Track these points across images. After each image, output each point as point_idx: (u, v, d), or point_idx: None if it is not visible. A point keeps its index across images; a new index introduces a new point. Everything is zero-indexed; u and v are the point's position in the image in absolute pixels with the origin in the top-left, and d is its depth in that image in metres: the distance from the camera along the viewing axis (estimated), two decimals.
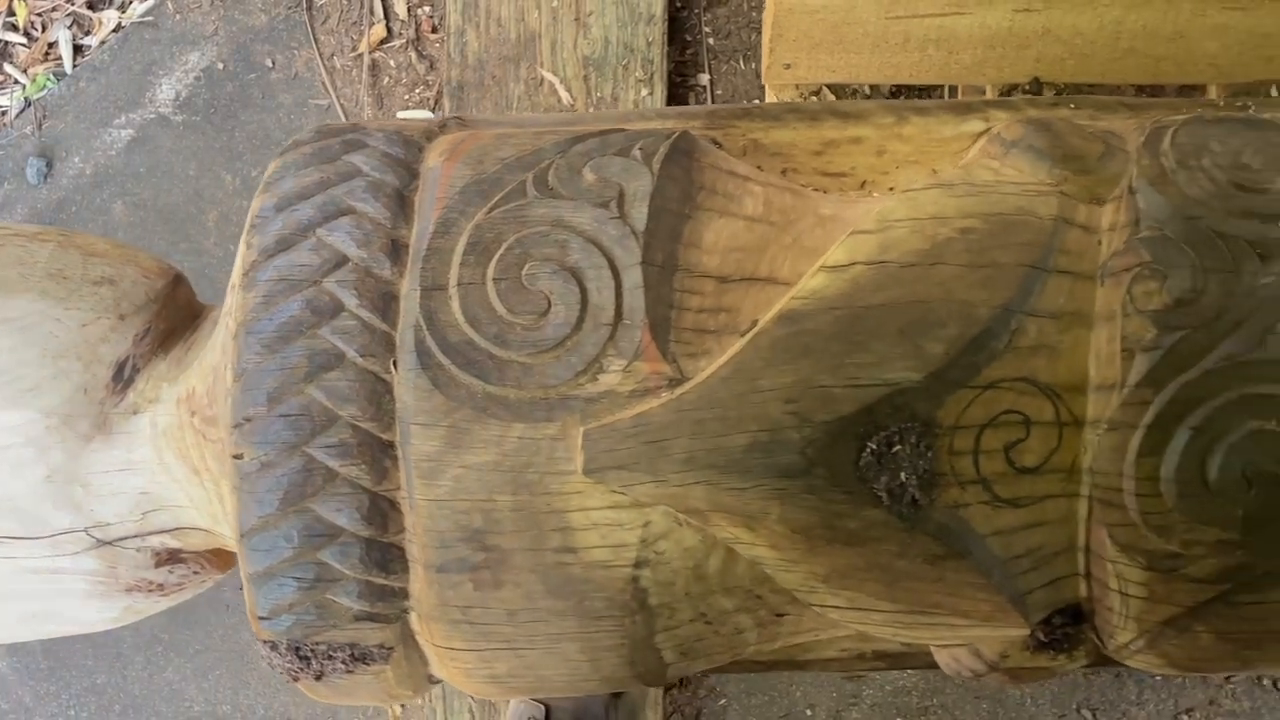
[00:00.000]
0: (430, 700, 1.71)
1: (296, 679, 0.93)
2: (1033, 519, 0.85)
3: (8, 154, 2.07)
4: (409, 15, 2.00)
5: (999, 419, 0.83)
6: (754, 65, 1.88)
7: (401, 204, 0.89)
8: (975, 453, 0.83)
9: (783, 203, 0.93)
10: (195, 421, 0.96)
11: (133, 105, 2.06)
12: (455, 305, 0.84)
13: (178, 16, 2.07)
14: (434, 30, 1.99)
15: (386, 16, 2.00)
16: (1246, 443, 0.80)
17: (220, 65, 2.05)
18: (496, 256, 0.85)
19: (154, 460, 0.99)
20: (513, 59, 1.86)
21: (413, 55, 1.99)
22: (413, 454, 0.84)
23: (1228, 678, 1.81)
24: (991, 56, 1.44)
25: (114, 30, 2.13)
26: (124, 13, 2.13)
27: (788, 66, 1.50)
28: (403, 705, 1.79)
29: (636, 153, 0.90)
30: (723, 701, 1.82)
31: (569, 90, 1.84)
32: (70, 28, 2.16)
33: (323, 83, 2.01)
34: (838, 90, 1.63)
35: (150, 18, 2.09)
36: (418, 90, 1.98)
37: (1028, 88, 1.49)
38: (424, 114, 1.93)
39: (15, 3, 2.16)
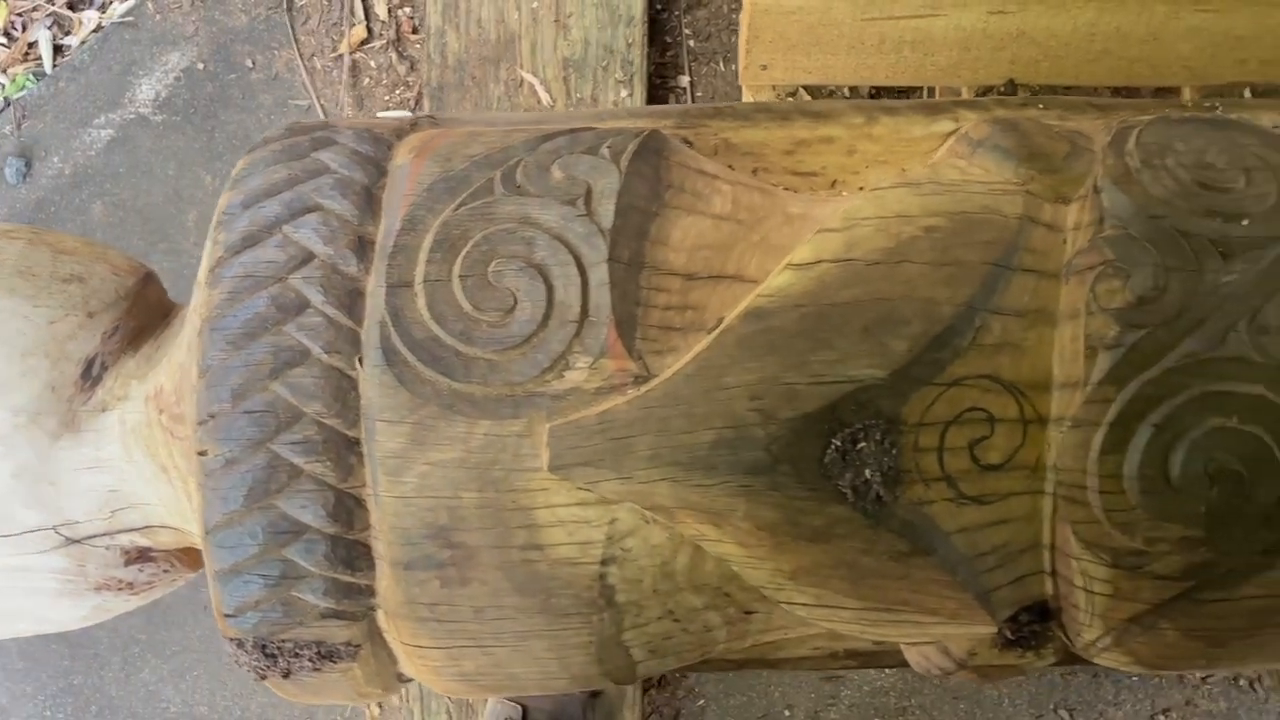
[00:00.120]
0: (407, 701, 1.71)
1: (264, 677, 0.93)
2: (997, 516, 0.85)
3: None
4: (389, 16, 2.00)
5: (963, 416, 0.83)
6: (734, 67, 1.88)
7: (369, 201, 0.90)
8: (940, 450, 0.83)
9: (751, 201, 0.94)
10: (163, 419, 0.95)
11: (112, 105, 2.06)
12: (421, 302, 0.84)
13: (158, 17, 2.07)
14: (414, 31, 1.99)
15: (367, 17, 2.00)
16: (1208, 440, 0.80)
17: (200, 65, 2.04)
18: (463, 253, 0.85)
19: (122, 458, 0.99)
20: (493, 60, 1.86)
21: (393, 56, 1.99)
22: (378, 451, 0.84)
23: (1204, 678, 1.82)
24: (967, 58, 1.45)
25: (94, 30, 2.12)
26: (104, 13, 2.13)
27: (764, 68, 1.50)
28: (380, 705, 1.78)
29: (605, 151, 0.90)
30: (701, 702, 1.82)
31: (549, 91, 1.84)
32: (50, 28, 2.15)
33: (303, 83, 2.01)
34: (815, 92, 1.64)
35: (130, 18, 2.08)
36: (398, 91, 1.98)
37: (1003, 89, 1.49)
38: (404, 115, 1.93)
39: None
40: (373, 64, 1.99)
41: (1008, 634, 0.91)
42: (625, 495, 0.84)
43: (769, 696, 1.82)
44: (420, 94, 1.94)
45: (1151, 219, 0.83)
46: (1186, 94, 1.50)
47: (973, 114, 1.02)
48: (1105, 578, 0.84)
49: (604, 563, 0.87)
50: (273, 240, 0.87)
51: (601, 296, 0.84)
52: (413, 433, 0.83)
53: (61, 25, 2.15)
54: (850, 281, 0.83)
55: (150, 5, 2.08)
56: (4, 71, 2.12)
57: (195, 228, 1.99)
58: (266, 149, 0.94)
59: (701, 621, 0.94)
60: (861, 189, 0.98)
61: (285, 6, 2.03)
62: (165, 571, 1.09)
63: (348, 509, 0.85)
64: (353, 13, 2.00)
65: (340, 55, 2.00)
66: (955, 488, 0.84)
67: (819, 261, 0.84)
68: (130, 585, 1.07)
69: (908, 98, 1.62)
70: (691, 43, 1.93)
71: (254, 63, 2.03)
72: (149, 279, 1.07)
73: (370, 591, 0.88)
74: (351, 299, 0.86)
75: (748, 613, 0.96)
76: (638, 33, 1.84)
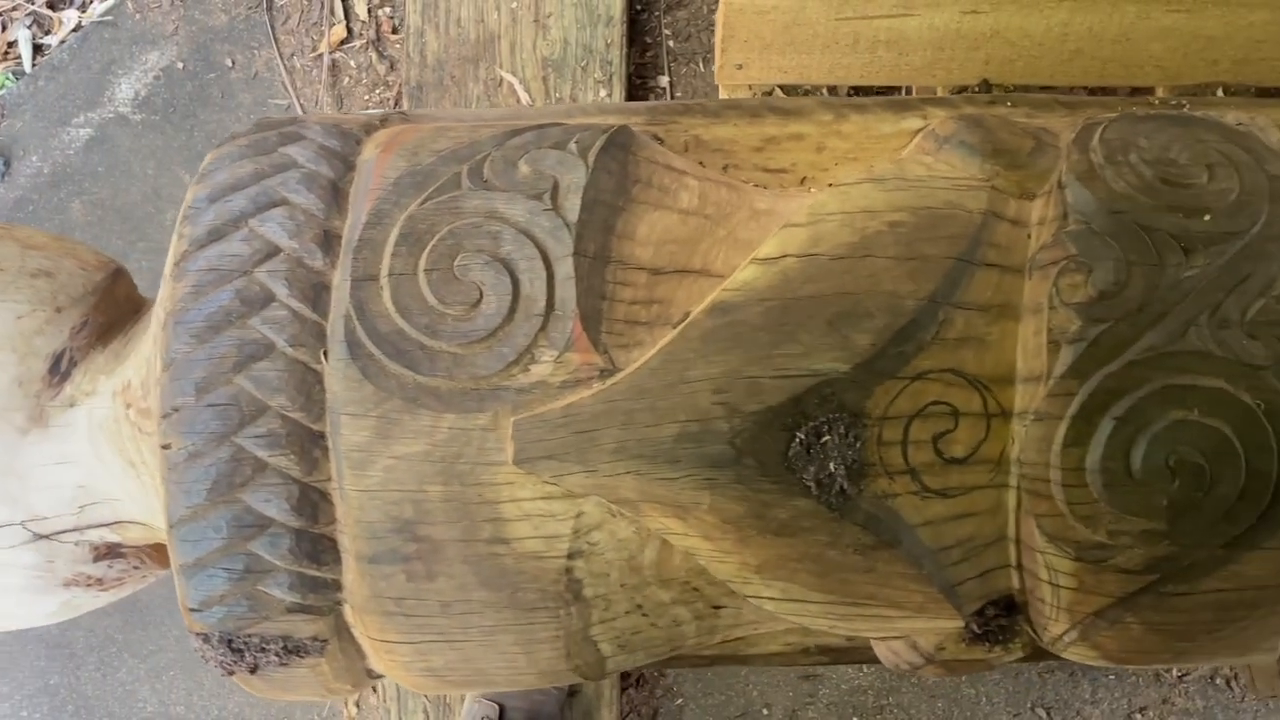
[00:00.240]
0: (385, 700, 1.71)
1: (231, 672, 0.93)
2: (962, 509, 0.86)
3: None
4: (369, 16, 2.00)
5: (927, 410, 0.83)
6: (714, 68, 1.89)
7: (336, 195, 0.90)
8: (904, 443, 0.84)
9: (718, 196, 0.94)
10: (131, 414, 0.95)
11: (92, 104, 2.05)
12: (386, 296, 0.84)
13: (137, 16, 2.07)
14: (394, 31, 1.99)
15: (347, 17, 2.00)
16: (1169, 433, 0.81)
17: (180, 65, 2.04)
18: (429, 247, 0.85)
19: (90, 454, 0.99)
20: (472, 60, 1.86)
21: (373, 56, 1.99)
22: (343, 444, 0.84)
23: (1180, 676, 1.83)
24: (941, 58, 1.46)
25: (74, 29, 2.12)
26: (84, 12, 2.12)
27: (740, 67, 1.50)
28: (357, 705, 1.78)
29: (572, 146, 0.90)
30: (679, 701, 1.82)
31: (528, 91, 1.84)
32: (30, 27, 2.15)
33: (283, 83, 2.01)
34: (791, 92, 1.64)
35: (110, 17, 2.08)
36: (378, 91, 1.98)
37: (978, 89, 1.50)
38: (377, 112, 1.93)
39: None
40: (352, 63, 1.99)
41: (975, 628, 0.91)
42: (590, 489, 0.84)
43: (747, 695, 1.82)
44: (400, 93, 1.94)
45: (1114, 214, 0.83)
46: (1160, 94, 1.51)
47: (941, 111, 1.03)
48: (1070, 571, 0.84)
49: (570, 556, 0.87)
50: (238, 234, 0.87)
51: (567, 290, 0.84)
52: (378, 426, 0.83)
53: (41, 24, 2.15)
54: (815, 276, 0.84)
55: (130, 4, 2.07)
56: None
57: (174, 227, 1.98)
58: (234, 144, 0.94)
59: (670, 616, 0.95)
60: (831, 185, 0.99)
61: (265, 6, 2.03)
62: (135, 568, 1.09)
63: (312, 503, 0.85)
64: (333, 12, 2.00)
65: (320, 55, 2.00)
66: (919, 481, 0.84)
67: (784, 256, 0.85)
68: (100, 581, 1.07)
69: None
70: (671, 43, 1.94)
71: (234, 62, 2.03)
72: (118, 274, 1.07)
73: (336, 586, 0.88)
74: (317, 293, 0.86)
75: (716, 607, 0.96)
76: (617, 33, 1.84)
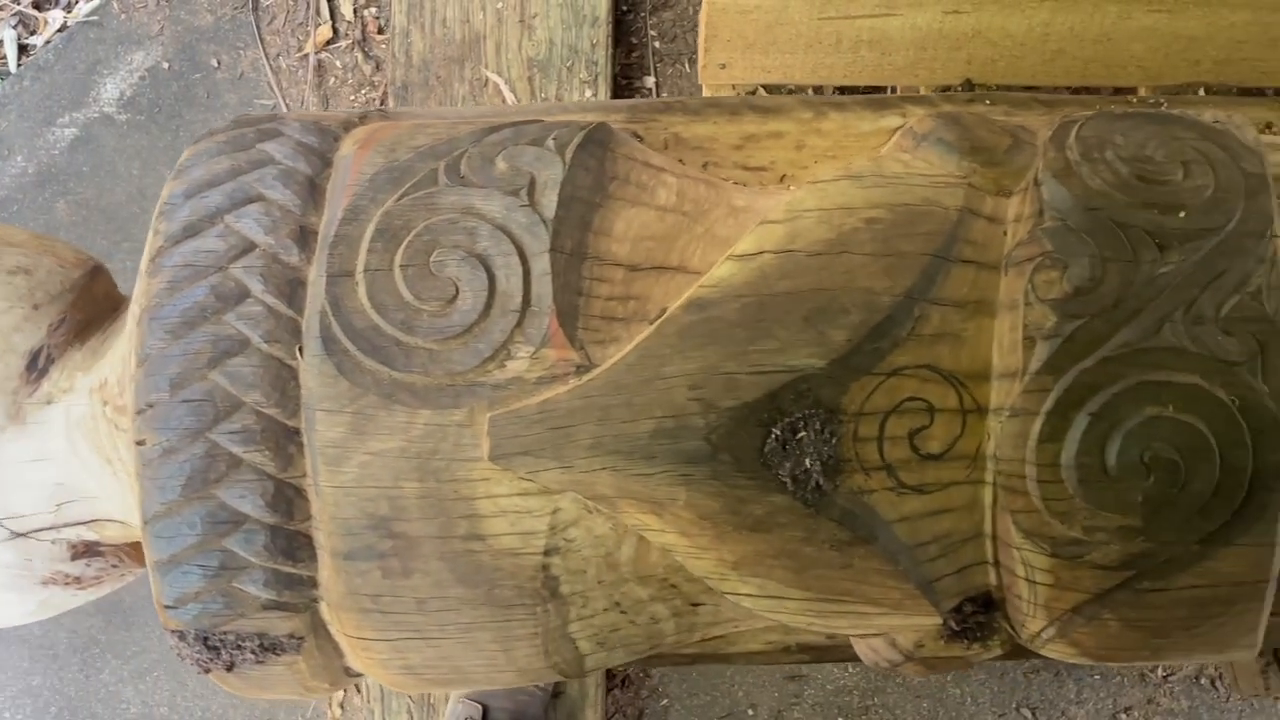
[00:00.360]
0: (369, 701, 1.70)
1: (207, 670, 0.93)
2: (938, 505, 0.86)
3: None
4: (355, 16, 2.00)
5: (903, 405, 0.84)
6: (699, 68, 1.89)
7: (312, 191, 0.89)
8: (880, 439, 0.84)
9: (696, 193, 0.94)
10: (108, 411, 0.95)
11: (77, 104, 2.05)
12: (362, 291, 0.84)
13: (123, 16, 2.06)
14: (380, 31, 1.99)
15: (333, 17, 2.00)
16: (1144, 429, 0.81)
17: (165, 65, 2.04)
18: (405, 243, 0.85)
19: (68, 451, 0.99)
20: (457, 60, 1.86)
21: (359, 56, 1.99)
22: (318, 440, 0.84)
23: (1166, 676, 1.83)
24: (924, 58, 1.46)
25: (59, 30, 2.11)
26: (69, 12, 2.12)
27: (723, 66, 1.51)
28: (341, 707, 1.78)
29: (550, 142, 0.90)
30: (664, 701, 1.82)
31: (513, 91, 1.84)
32: (16, 27, 2.14)
33: (268, 83, 2.00)
34: (775, 91, 1.64)
35: (95, 17, 2.08)
36: (364, 91, 1.98)
37: (961, 89, 1.50)
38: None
39: None
40: (338, 64, 1.99)
41: (953, 625, 0.91)
42: (567, 485, 0.84)
43: (732, 696, 1.82)
44: (385, 94, 1.94)
45: (1089, 211, 0.84)
46: (1142, 94, 1.51)
47: (920, 109, 1.03)
48: (1046, 567, 0.85)
49: (547, 553, 0.87)
50: (214, 230, 0.87)
51: (543, 286, 0.84)
52: (353, 422, 0.83)
53: (26, 24, 2.14)
54: (791, 272, 0.84)
55: (115, 4, 2.07)
56: None
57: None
58: (211, 140, 0.94)
59: (648, 613, 0.94)
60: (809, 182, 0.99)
61: (251, 6, 2.02)
62: (114, 566, 1.09)
63: (287, 499, 0.85)
64: (318, 12, 2.00)
65: (306, 55, 2.00)
66: (895, 477, 0.84)
67: (761, 252, 0.85)
68: (78, 580, 1.06)
69: None
70: (657, 44, 1.94)
71: (219, 62, 2.03)
72: (97, 272, 1.06)
73: (312, 583, 0.88)
74: (292, 288, 0.85)
75: (695, 605, 0.96)
76: (602, 33, 1.84)
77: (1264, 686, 1.67)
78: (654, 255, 0.89)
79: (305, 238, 0.87)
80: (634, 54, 1.94)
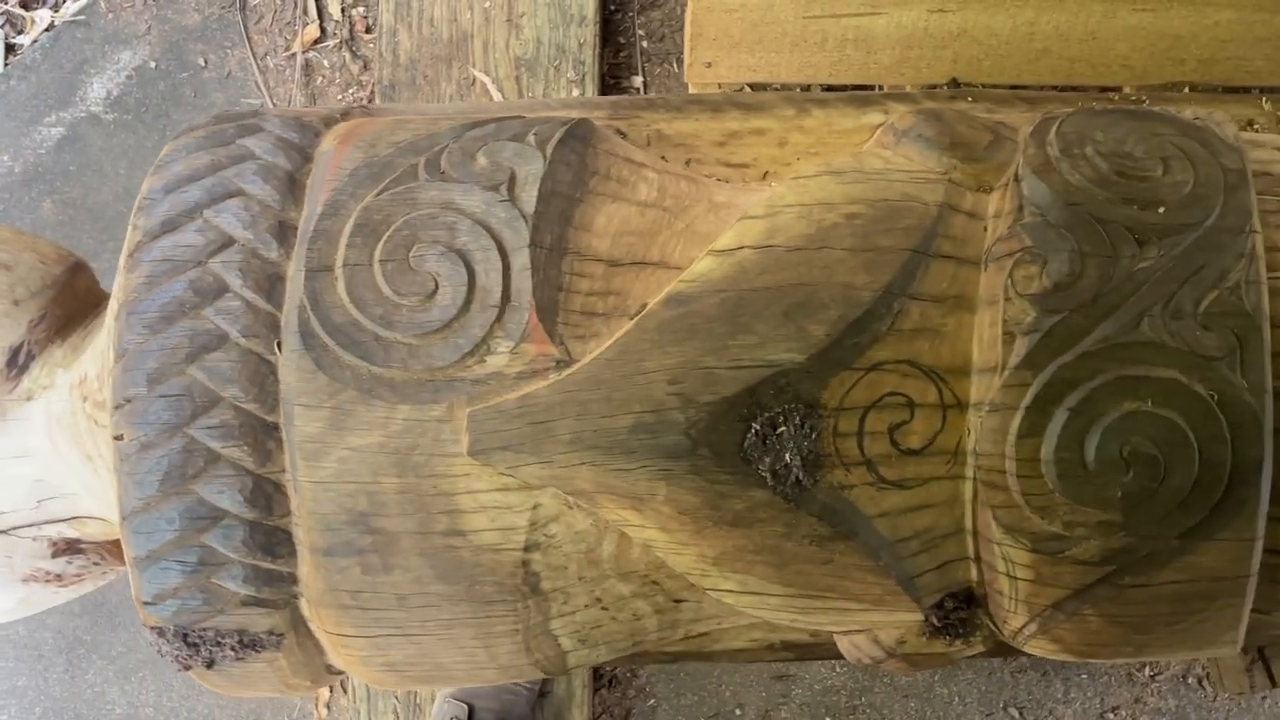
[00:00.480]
0: (355, 701, 1.70)
1: (187, 667, 0.92)
2: (919, 501, 0.86)
3: None
4: (343, 15, 1.99)
5: (883, 401, 0.83)
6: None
7: (292, 187, 0.89)
8: (860, 434, 0.84)
9: (677, 189, 0.94)
10: (87, 407, 0.95)
11: (64, 104, 2.04)
12: (341, 286, 0.84)
13: (110, 15, 2.06)
14: (368, 30, 1.98)
15: (320, 16, 2.00)
16: (1123, 424, 0.81)
17: (152, 64, 2.03)
18: (384, 238, 0.85)
19: (48, 448, 0.98)
20: (445, 59, 1.86)
21: (346, 55, 1.98)
22: (296, 435, 0.83)
23: (1153, 675, 1.83)
24: (910, 57, 1.46)
25: (46, 29, 2.10)
26: (57, 11, 2.11)
27: (709, 65, 1.51)
28: (328, 707, 1.77)
29: (530, 138, 0.90)
30: (652, 701, 1.81)
31: (501, 90, 1.84)
32: (3, 26, 2.14)
33: (256, 82, 2.00)
34: (761, 90, 1.64)
35: (83, 16, 2.07)
36: (351, 90, 1.98)
37: (946, 88, 1.51)
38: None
39: None
40: (326, 63, 1.99)
41: (934, 621, 0.91)
42: (546, 480, 0.84)
43: (720, 695, 1.82)
44: (373, 93, 1.94)
45: (1069, 206, 0.84)
46: (1127, 93, 1.52)
47: (902, 106, 1.03)
48: (1026, 563, 0.85)
49: (527, 549, 0.87)
50: (193, 225, 0.86)
51: (523, 281, 0.84)
52: (331, 417, 0.83)
53: (14, 24, 2.14)
54: (770, 267, 0.84)
55: (103, 4, 2.06)
56: None
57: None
58: (191, 136, 0.94)
59: (630, 610, 0.94)
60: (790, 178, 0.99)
61: (238, 5, 2.02)
62: (95, 564, 1.08)
63: (266, 494, 0.84)
64: (306, 12, 2.00)
65: (293, 54, 1.99)
66: (875, 472, 0.84)
67: (741, 247, 0.85)
68: (59, 577, 1.06)
69: None
70: (645, 43, 1.94)
71: (206, 61, 2.02)
72: (78, 268, 1.06)
73: (292, 579, 0.87)
74: (271, 283, 0.85)
75: (677, 601, 0.96)
76: (590, 33, 1.84)
77: (1249, 685, 1.67)
78: (634, 250, 0.89)
79: (284, 233, 0.87)
80: (621, 53, 1.94)
